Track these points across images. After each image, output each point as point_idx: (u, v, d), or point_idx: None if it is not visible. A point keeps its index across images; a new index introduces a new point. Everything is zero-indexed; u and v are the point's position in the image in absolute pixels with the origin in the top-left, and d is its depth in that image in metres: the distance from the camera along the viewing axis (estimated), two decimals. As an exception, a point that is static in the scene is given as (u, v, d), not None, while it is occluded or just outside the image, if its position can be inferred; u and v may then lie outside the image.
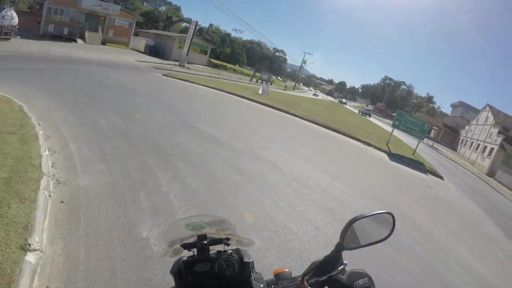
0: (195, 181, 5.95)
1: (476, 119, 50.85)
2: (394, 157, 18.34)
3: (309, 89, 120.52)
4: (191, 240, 1.15)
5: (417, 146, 22.76)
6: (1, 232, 3.17)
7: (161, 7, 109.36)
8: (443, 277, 5.45)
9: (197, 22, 49.00)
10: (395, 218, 1.21)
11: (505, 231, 11.05)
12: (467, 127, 54.04)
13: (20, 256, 2.92)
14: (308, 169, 9.34)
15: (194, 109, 14.01)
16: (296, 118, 21.70)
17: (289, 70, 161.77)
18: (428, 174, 16.71)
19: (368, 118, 55.53)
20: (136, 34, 56.19)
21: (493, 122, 44.39)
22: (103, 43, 42.45)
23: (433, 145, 44.49)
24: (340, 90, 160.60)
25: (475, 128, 48.91)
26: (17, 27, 31.95)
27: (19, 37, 32.27)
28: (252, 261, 1.13)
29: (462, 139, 53.40)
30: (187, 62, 46.03)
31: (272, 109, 21.89)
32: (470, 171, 31.89)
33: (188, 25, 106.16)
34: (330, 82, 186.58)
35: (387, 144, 21.83)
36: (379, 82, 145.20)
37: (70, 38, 38.32)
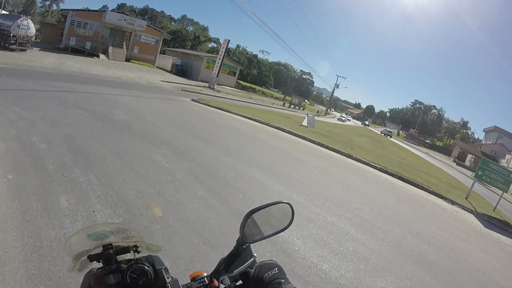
0: None
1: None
2: (488, 222, 14.34)
3: (340, 115, 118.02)
4: (98, 251, 1.11)
5: (498, 202, 18.77)
6: None
7: (188, 27, 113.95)
8: None
9: (228, 40, 48.00)
10: (293, 208, 1.30)
11: None
12: (507, 156, 53.60)
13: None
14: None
15: (246, 167, 10.52)
16: (362, 165, 18.25)
17: (315, 92, 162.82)
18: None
19: (390, 139, 62.27)
20: (162, 52, 56.53)
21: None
22: (128, 60, 42.37)
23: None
24: (369, 114, 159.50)
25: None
26: (33, 37, 31.46)
27: (38, 49, 31.77)
28: (166, 267, 1.15)
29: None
30: (216, 84, 44.81)
31: (331, 152, 18.66)
32: None
33: (215, 45, 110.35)
34: (358, 106, 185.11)
35: (467, 199, 18.02)
36: (408, 106, 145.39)
37: (92, 53, 38.23)
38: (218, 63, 46.67)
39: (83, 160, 6.46)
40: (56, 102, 12.42)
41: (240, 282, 1.17)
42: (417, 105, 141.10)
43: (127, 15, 47.77)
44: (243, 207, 6.06)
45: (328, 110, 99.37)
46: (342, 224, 6.95)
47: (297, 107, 61.90)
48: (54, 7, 73.23)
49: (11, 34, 28.14)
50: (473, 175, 21.15)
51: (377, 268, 5.34)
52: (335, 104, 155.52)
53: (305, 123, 27.15)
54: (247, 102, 39.13)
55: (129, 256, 1.15)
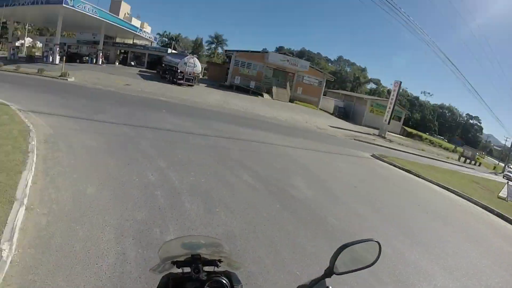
0: None
1: None
2: None
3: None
4: (183, 258, 1.29)
5: None
6: None
7: (346, 68, 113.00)
8: None
9: (400, 83, 41.97)
10: (381, 246, 1.40)
11: None
12: None
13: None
14: None
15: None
16: None
17: (484, 140, 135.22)
18: None
19: None
20: (324, 94, 55.22)
21: None
22: (291, 100, 42.55)
23: None
24: None
25: None
26: (200, 74, 34.30)
27: (205, 85, 33.56)
28: (241, 285, 1.28)
29: None
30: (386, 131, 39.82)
31: None
32: None
33: (375, 86, 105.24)
34: None
35: None
36: None
37: (256, 92, 39.39)
38: (389, 108, 41.75)
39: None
40: (215, 155, 9.88)
41: None
42: None
43: (289, 55, 47.93)
44: None
45: (506, 166, 76.64)
46: None
47: (471, 161, 48.42)
48: (219, 50, 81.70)
49: (179, 70, 31.18)
50: None
51: None
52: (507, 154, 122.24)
53: (503, 193, 21.19)
54: (423, 155, 32.14)
55: (208, 268, 1.30)
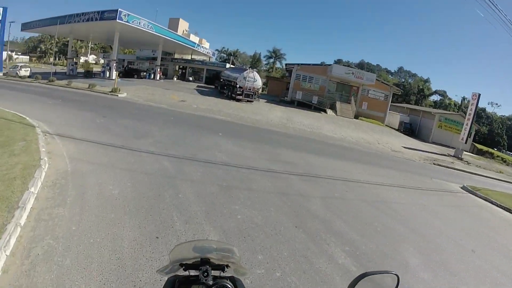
0: None
1: None
2: None
3: None
4: (192, 261, 1.29)
5: None
6: None
7: (408, 79, 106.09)
8: None
9: (479, 95, 35.74)
10: (399, 279, 1.37)
11: None
12: None
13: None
14: None
15: None
16: None
17: None
18: None
19: None
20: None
21: None
22: (356, 116, 38.44)
23: None
24: None
25: None
26: (260, 90, 31.97)
27: (265, 100, 31.10)
28: None
29: None
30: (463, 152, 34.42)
31: None
32: None
33: (439, 98, 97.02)
34: None
35: None
36: None
37: (318, 108, 36.18)
38: (466, 125, 35.43)
39: None
40: (289, 211, 6.77)
41: None
42: None
43: (353, 68, 44.02)
44: None
45: None
46: None
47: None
48: (278, 64, 79.37)
49: (238, 85, 28.81)
50: None
51: None
52: None
53: None
54: (500, 180, 26.93)
55: (214, 272, 1.28)
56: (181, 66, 51.28)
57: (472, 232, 8.47)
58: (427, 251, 6.21)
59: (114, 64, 32.03)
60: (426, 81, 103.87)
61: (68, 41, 42.62)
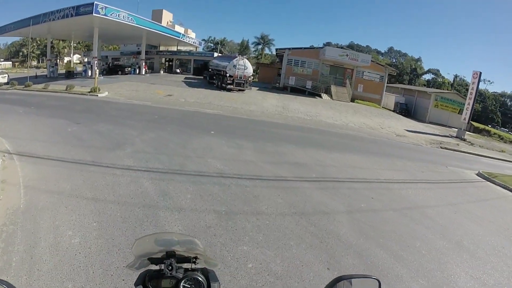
0: None
1: None
2: None
3: None
4: (159, 255, 1.24)
5: None
6: None
7: (395, 59, 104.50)
8: None
9: (480, 73, 34.39)
10: (381, 285, 1.26)
11: None
12: None
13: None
14: None
15: None
16: None
17: None
18: None
19: None
20: None
21: None
22: (352, 99, 36.88)
23: None
24: None
25: None
26: (251, 77, 30.11)
27: (257, 88, 29.25)
28: (219, 282, 1.23)
29: None
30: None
31: None
32: None
33: (434, 76, 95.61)
34: None
35: None
36: None
37: (313, 93, 34.37)
38: (468, 104, 34.15)
39: None
40: (313, 246, 5.15)
41: None
42: None
43: (347, 49, 42.51)
44: None
45: None
46: None
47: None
48: (267, 50, 76.98)
49: (228, 74, 26.80)
50: None
51: None
52: None
53: None
54: (506, 160, 26.53)
55: (185, 265, 1.25)
56: (167, 59, 48.78)
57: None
58: (484, 277, 4.82)
59: (96, 62, 29.68)
60: (418, 60, 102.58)
61: (51, 42, 40.19)
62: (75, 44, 58.01)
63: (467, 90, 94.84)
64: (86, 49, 61.56)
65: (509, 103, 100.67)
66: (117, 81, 27.24)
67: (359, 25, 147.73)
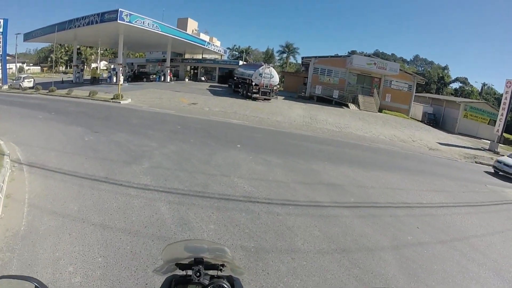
0: None
1: None
2: None
3: None
4: (187, 261, 1.27)
5: None
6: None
7: (427, 68, 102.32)
8: None
9: None
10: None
11: None
12: None
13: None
14: None
15: None
16: None
17: None
18: None
19: None
20: None
21: None
22: (380, 109, 35.66)
23: None
24: None
25: None
26: (277, 86, 29.35)
27: (282, 97, 28.65)
28: None
29: None
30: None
31: None
32: None
33: (462, 85, 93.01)
34: None
35: None
36: None
37: (340, 102, 33.50)
38: (502, 115, 32.53)
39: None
40: None
41: None
42: None
43: (375, 58, 41.41)
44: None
45: None
46: None
47: None
48: (291, 59, 76.40)
49: (253, 83, 26.17)
50: None
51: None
52: None
53: None
54: None
55: (211, 272, 1.26)
56: (192, 67, 48.88)
57: None
58: None
59: (120, 68, 29.78)
60: (445, 68, 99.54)
61: (79, 49, 41.05)
62: (102, 51, 59.32)
63: (495, 99, 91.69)
64: (112, 56, 62.92)
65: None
66: (141, 88, 27.15)
67: (383, 33, 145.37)
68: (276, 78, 27.61)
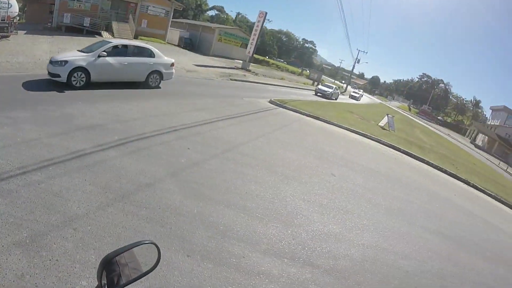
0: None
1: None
2: None
3: (353, 91, 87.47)
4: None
5: None
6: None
7: None
8: None
9: (266, 13, 41.45)
10: (159, 248, 1.34)
11: None
12: (523, 138, 54.79)
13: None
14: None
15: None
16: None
17: (320, 62, 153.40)
18: None
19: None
20: None
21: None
22: (136, 36, 35.67)
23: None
24: (374, 86, 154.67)
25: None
26: (18, 18, 25.39)
27: (24, 32, 24.47)
28: None
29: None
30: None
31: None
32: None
33: (218, 13, 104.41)
34: (361, 76, 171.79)
35: None
36: (415, 79, 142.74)
37: (92, 31, 31.49)
38: (253, 39, 41.39)
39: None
40: None
41: None
42: (425, 79, 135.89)
43: None
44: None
45: (347, 86, 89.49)
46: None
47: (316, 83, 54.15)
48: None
49: (-16, 16, 20.35)
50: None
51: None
52: (335, 73, 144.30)
53: (384, 125, 25.50)
54: (287, 86, 34.98)
55: None
56: None
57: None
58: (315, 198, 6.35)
59: None
60: None
61: None
62: None
63: (248, 26, 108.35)
64: None
65: (284, 39, 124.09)
66: None
67: None
68: (15, 8, 23.16)
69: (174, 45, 44.37)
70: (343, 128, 18.29)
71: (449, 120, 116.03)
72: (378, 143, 17.76)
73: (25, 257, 3.50)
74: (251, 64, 43.63)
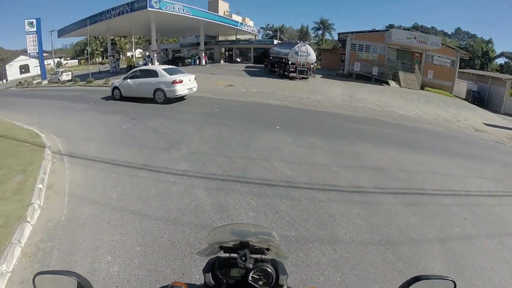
0: None
1: None
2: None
3: None
4: (231, 244, 1.27)
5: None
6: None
7: (465, 42, 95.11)
8: None
9: None
10: (456, 286, 1.21)
11: None
12: None
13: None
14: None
15: None
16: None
17: None
18: None
19: None
20: None
21: None
22: (421, 87, 33.81)
23: None
24: None
25: None
26: (315, 64, 28.72)
27: (320, 76, 28.36)
28: (287, 275, 1.22)
29: None
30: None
31: None
32: None
33: (508, 61, 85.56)
34: None
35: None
36: None
37: (380, 79, 32.08)
38: None
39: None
40: None
41: None
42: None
43: (414, 31, 39.11)
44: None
45: None
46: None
47: None
48: (327, 36, 74.11)
49: (290, 62, 25.50)
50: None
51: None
52: None
53: None
54: None
55: (255, 256, 1.25)
56: (226, 48, 48.87)
57: None
58: None
59: (155, 55, 30.26)
60: (489, 42, 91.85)
61: (113, 40, 42.35)
62: (136, 39, 60.64)
63: None
64: (146, 43, 64.26)
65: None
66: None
67: (422, 5, 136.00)
68: (312, 56, 26.77)
69: (462, 98, 39.59)
70: None
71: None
72: None
73: (287, 248, 4.08)
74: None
